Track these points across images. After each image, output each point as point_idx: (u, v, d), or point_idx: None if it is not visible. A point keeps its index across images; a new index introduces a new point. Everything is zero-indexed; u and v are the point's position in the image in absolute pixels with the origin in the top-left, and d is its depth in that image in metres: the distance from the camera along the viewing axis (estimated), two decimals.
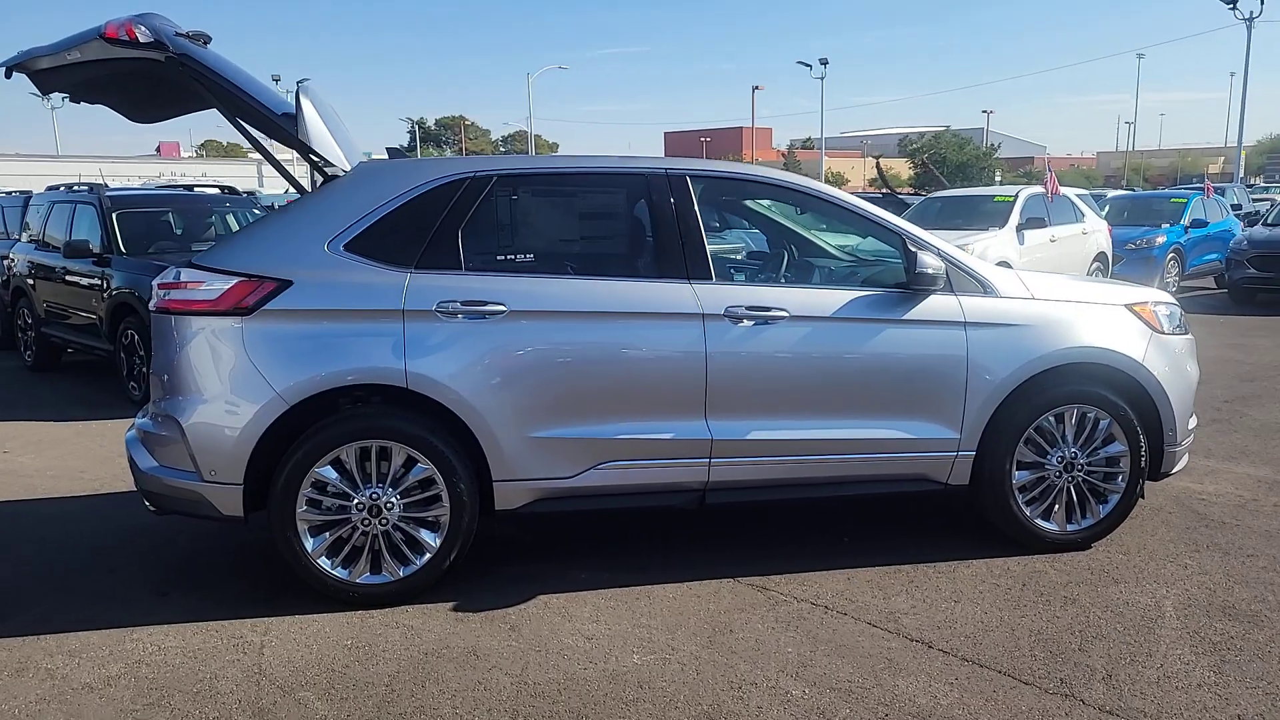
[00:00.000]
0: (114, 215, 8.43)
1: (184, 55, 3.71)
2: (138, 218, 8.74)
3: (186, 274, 3.74)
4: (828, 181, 13.90)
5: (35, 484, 5.64)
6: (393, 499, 3.76)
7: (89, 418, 7.39)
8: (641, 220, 4.00)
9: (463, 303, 3.73)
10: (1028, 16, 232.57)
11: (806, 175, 8.73)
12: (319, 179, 4.06)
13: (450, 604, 3.82)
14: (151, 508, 3.88)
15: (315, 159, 3.93)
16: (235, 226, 9.65)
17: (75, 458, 6.21)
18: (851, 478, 4.13)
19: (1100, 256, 13.39)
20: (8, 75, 3.88)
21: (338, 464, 3.71)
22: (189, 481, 3.70)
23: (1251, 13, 31.32)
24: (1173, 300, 4.56)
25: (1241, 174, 36.06)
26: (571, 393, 3.83)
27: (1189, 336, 4.52)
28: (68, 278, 8.68)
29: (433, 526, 3.81)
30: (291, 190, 12.38)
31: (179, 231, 9.25)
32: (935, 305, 4.07)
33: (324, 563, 3.75)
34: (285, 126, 3.79)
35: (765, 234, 4.98)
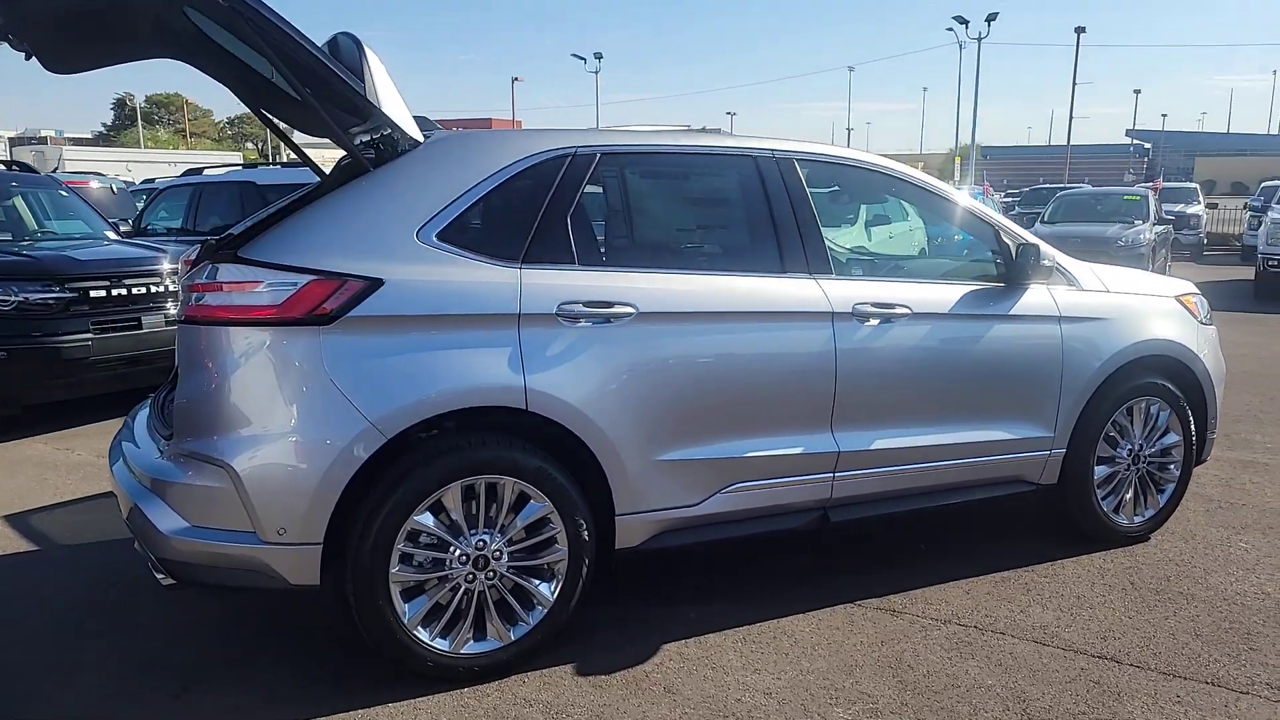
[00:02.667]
0: None
1: None
2: None
3: (231, 271, 2.83)
4: None
5: None
6: (500, 546, 3.06)
7: None
8: (758, 207, 3.51)
9: (585, 304, 3.10)
10: (762, 25, 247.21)
11: None
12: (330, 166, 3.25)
13: (568, 666, 3.17)
14: (168, 580, 2.93)
15: (353, 135, 3.12)
16: (27, 212, 8.03)
17: None
18: (960, 484, 3.89)
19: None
20: None
21: (436, 507, 2.96)
22: (244, 545, 2.81)
23: (980, 33, 34.84)
24: (1199, 292, 4.70)
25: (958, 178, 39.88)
26: (703, 407, 3.29)
27: (1214, 326, 4.68)
28: None
29: (547, 575, 3.15)
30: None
31: None
32: (1033, 299, 3.91)
33: (422, 633, 2.99)
34: (352, 84, 2.96)
35: (861, 222, 4.62)
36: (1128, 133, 70.52)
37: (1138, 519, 4.29)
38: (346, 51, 3.03)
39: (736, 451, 3.36)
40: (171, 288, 6.88)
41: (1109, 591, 3.78)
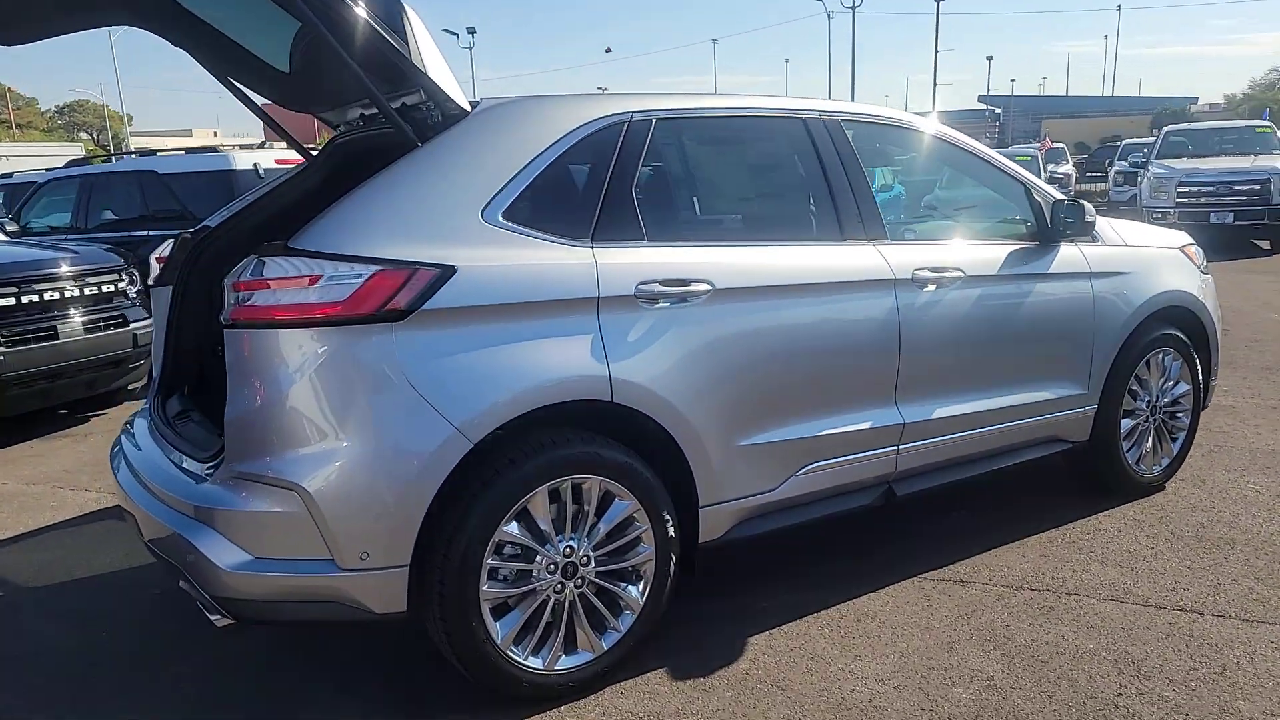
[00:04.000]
0: None
1: None
2: None
3: (281, 265, 2.47)
4: None
5: None
6: (588, 550, 2.82)
7: None
8: (812, 171, 3.33)
9: (663, 283, 2.86)
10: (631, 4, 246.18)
11: None
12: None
13: (660, 671, 2.96)
14: (225, 620, 2.56)
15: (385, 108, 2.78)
16: None
17: None
18: (1007, 448, 3.85)
19: None
20: None
21: (521, 515, 2.69)
22: (319, 575, 2.48)
23: (855, 3, 35.50)
24: (1194, 242, 4.78)
25: None
26: (780, 386, 3.11)
27: (1211, 275, 4.78)
28: None
29: (634, 578, 2.92)
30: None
31: None
32: (1067, 256, 3.88)
33: (515, 653, 2.72)
34: (397, 46, 2.62)
35: (897, 184, 4.47)
36: (980, 98, 73.55)
37: (1156, 469, 4.36)
38: (386, 10, 2.69)
39: (811, 431, 3.20)
40: (86, 292, 6.23)
41: (1155, 543, 3.80)
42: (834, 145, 3.37)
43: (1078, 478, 4.38)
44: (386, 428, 2.47)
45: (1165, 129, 16.82)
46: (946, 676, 2.89)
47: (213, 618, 2.57)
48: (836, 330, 3.22)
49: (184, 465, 2.77)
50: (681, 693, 2.85)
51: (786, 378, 3.12)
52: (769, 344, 3.06)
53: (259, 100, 3.73)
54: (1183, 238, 4.59)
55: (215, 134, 68.14)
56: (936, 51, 45.04)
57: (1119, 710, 2.68)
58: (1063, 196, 3.85)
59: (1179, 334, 4.29)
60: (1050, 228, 3.81)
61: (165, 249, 3.64)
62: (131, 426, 3.46)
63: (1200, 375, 4.44)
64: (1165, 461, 4.40)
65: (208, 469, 2.63)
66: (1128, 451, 4.22)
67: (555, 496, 2.74)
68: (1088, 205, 3.78)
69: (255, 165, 7.79)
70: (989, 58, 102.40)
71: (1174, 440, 4.43)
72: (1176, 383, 4.37)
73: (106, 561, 4.00)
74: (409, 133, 2.75)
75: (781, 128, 3.35)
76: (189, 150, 8.55)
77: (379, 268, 2.47)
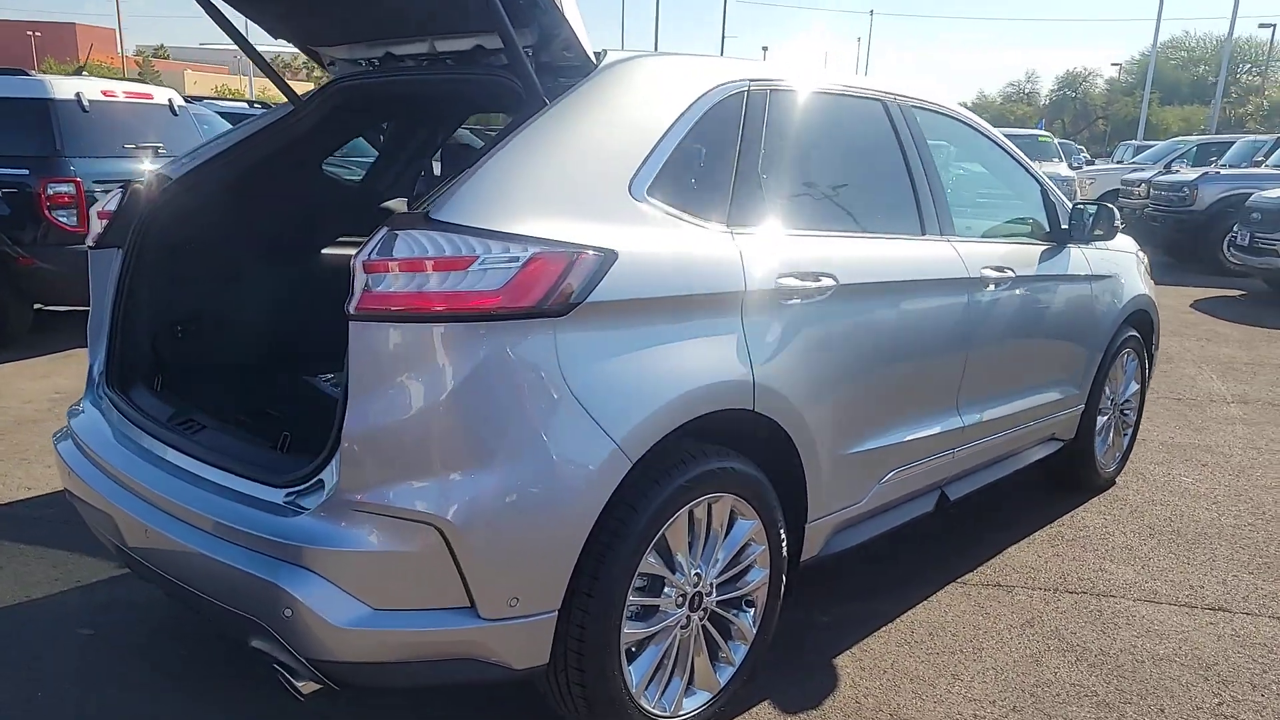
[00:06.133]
0: None
1: None
2: None
3: (424, 242, 1.93)
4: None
5: None
6: (712, 578, 2.48)
7: None
8: (895, 159, 3.11)
9: (798, 276, 2.55)
10: None
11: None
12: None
13: (764, 704, 2.68)
14: (314, 686, 2.02)
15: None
16: None
17: None
18: (1022, 448, 3.85)
19: None
20: None
21: (659, 542, 2.32)
22: (455, 628, 2.00)
23: None
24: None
25: None
26: (881, 390, 2.90)
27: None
28: None
29: (746, 604, 2.62)
30: None
31: None
32: (1077, 257, 3.92)
33: (646, 701, 2.35)
34: None
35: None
36: None
37: (1112, 465, 4.55)
38: None
39: (898, 436, 3.02)
40: None
41: (1141, 539, 3.94)
42: (910, 132, 3.18)
43: (1051, 475, 4.46)
44: (545, 445, 2.02)
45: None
46: (1053, 694, 2.80)
47: (298, 684, 2.02)
48: (929, 330, 3.05)
49: (236, 487, 2.17)
50: None
51: (886, 381, 2.91)
52: (876, 345, 2.84)
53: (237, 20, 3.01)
54: (1132, 242, 4.80)
55: None
56: (724, 38, 46.31)
57: None
58: (1093, 201, 3.88)
59: (1137, 335, 4.48)
60: (1070, 230, 3.81)
61: (110, 202, 2.88)
62: (77, 421, 2.73)
63: (1149, 373, 4.68)
64: (1118, 457, 4.60)
65: (291, 496, 2.05)
66: (1097, 448, 4.37)
67: (689, 518, 2.38)
68: (1116, 210, 3.83)
69: (79, 96, 6.57)
70: (764, 48, 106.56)
71: (1124, 436, 4.64)
72: (1130, 381, 4.57)
73: (21, 582, 3.17)
74: (537, 87, 2.25)
75: (870, 110, 3.11)
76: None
77: (538, 249, 2.00)
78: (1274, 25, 46.61)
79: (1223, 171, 13.05)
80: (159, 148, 6.86)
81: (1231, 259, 10.87)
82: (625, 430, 2.11)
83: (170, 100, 7.51)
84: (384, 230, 1.94)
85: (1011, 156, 3.82)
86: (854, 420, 2.80)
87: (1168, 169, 14.70)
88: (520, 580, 2.03)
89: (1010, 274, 3.42)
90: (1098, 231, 3.82)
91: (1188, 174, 13.52)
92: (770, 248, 2.51)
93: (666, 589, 2.36)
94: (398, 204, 3.52)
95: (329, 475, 2.00)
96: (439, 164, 3.74)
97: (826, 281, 2.62)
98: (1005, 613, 3.28)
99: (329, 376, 3.20)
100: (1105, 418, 4.38)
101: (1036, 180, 3.87)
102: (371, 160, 3.87)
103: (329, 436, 2.02)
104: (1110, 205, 3.83)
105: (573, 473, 2.05)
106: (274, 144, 3.02)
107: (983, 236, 3.55)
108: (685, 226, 2.33)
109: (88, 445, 2.59)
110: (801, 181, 2.84)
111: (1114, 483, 4.59)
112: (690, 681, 2.48)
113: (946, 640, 3.08)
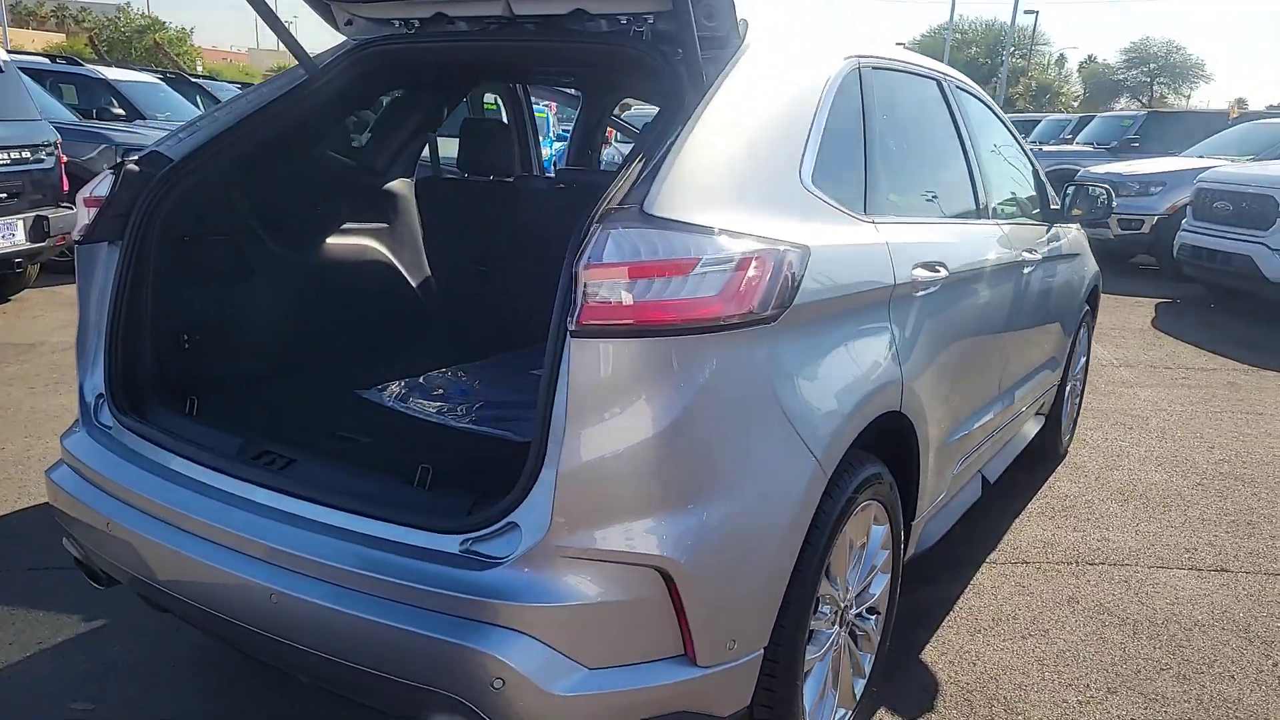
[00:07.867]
0: None
1: None
2: None
3: (650, 240, 1.65)
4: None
5: None
6: (855, 588, 2.35)
7: None
8: (954, 141, 3.04)
9: (925, 266, 2.43)
10: None
11: None
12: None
13: (882, 713, 2.59)
14: None
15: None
16: None
17: None
18: (1026, 425, 3.93)
19: None
20: None
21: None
22: (670, 682, 1.76)
23: None
24: None
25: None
26: (968, 378, 2.85)
27: None
28: None
29: (871, 611, 2.50)
30: None
31: None
32: (1060, 238, 4.01)
33: None
34: None
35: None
36: None
37: (1067, 436, 4.76)
38: None
39: (972, 424, 2.98)
40: None
41: (1121, 509, 4.13)
42: (961, 110, 3.12)
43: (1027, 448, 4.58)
44: (760, 468, 1.80)
45: None
46: (1133, 668, 2.86)
47: None
48: (994, 314, 3.02)
49: (377, 533, 1.81)
50: None
51: (970, 368, 2.86)
52: (970, 332, 2.78)
53: None
54: None
55: None
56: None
57: None
58: (1092, 181, 3.97)
59: (1089, 308, 4.68)
60: (1062, 210, 3.89)
61: (99, 186, 2.37)
62: (86, 455, 2.23)
63: (1092, 346, 4.92)
64: (1071, 427, 4.81)
65: (468, 542, 1.73)
66: (1063, 419, 4.55)
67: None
68: (1110, 190, 3.93)
69: None
70: None
71: (1075, 406, 4.86)
72: (1082, 354, 4.78)
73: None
74: (700, 64, 1.99)
75: (931, 90, 3.01)
76: None
77: (747, 249, 1.76)
78: (1037, 12, 52.13)
79: (1045, 149, 14.03)
80: None
81: None
82: (823, 444, 1.93)
83: None
84: (599, 229, 1.65)
85: (1013, 134, 3.85)
86: (951, 411, 2.73)
87: None
88: (738, 620, 1.82)
89: (1037, 255, 3.45)
90: (1085, 213, 3.91)
91: None
92: (902, 237, 2.37)
93: (824, 607, 2.20)
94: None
95: (527, 516, 1.69)
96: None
97: (942, 271, 2.51)
98: (1046, 590, 3.33)
99: (384, 388, 2.78)
100: (1068, 388, 4.56)
101: (1030, 159, 3.93)
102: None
103: (505, 470, 1.72)
104: (1106, 187, 3.94)
105: (784, 495, 1.85)
106: (293, 113, 2.58)
107: (1008, 218, 3.56)
108: (843, 217, 2.16)
109: (110, 481, 2.12)
110: (904, 166, 2.72)
111: (1068, 451, 4.80)
112: (840, 694, 2.34)
113: (1012, 626, 3.09)
